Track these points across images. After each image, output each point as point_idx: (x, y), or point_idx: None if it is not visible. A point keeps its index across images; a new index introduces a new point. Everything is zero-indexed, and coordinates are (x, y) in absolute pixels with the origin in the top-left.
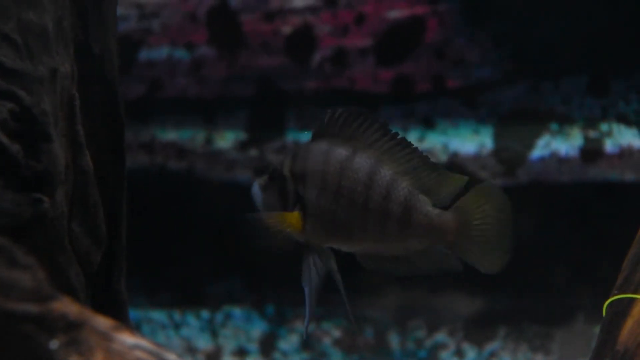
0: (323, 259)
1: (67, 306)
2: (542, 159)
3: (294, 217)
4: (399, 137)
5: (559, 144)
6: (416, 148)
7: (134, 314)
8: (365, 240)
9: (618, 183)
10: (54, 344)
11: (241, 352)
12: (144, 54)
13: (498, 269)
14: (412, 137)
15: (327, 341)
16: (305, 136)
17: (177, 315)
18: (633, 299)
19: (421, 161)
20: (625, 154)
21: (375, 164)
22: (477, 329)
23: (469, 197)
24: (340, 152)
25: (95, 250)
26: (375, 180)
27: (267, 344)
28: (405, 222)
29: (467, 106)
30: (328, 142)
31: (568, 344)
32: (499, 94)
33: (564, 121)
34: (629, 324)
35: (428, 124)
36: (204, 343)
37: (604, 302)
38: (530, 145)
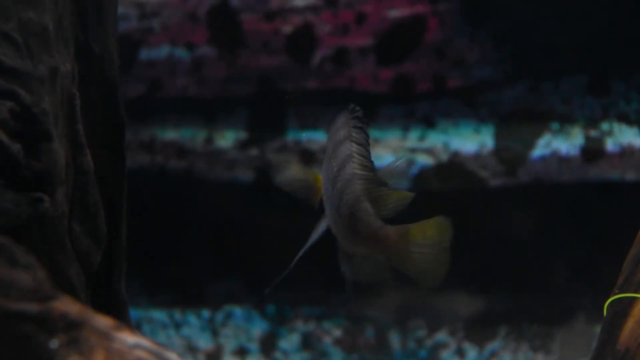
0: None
1: (67, 306)
2: (542, 159)
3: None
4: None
5: (559, 144)
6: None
7: (134, 313)
8: (334, 231)
9: (619, 182)
10: (54, 344)
11: (242, 351)
12: (144, 54)
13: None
14: (413, 137)
15: (327, 341)
16: (305, 136)
17: (177, 315)
18: (634, 299)
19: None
20: (626, 154)
21: (347, 158)
22: (478, 329)
23: (420, 223)
24: (340, 134)
25: (95, 250)
26: (340, 175)
27: (268, 344)
28: (350, 226)
29: (468, 106)
30: (345, 122)
31: (569, 343)
32: (499, 94)
33: (565, 121)
34: (629, 323)
35: (428, 123)
36: (204, 342)
37: (604, 302)
38: (531, 145)
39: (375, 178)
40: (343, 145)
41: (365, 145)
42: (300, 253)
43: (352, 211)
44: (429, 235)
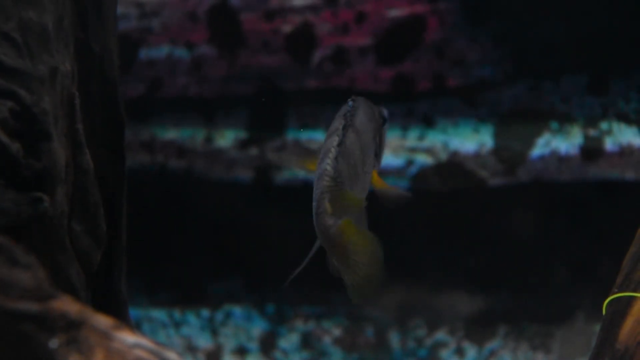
0: None
1: (67, 305)
2: (542, 158)
3: None
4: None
5: (559, 143)
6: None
7: (134, 312)
8: None
9: (618, 182)
10: (54, 343)
11: (241, 350)
12: (144, 53)
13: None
14: (412, 136)
15: (327, 340)
16: (304, 134)
17: (177, 314)
18: (633, 298)
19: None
20: (626, 153)
21: (327, 152)
22: (477, 328)
23: (356, 230)
24: (334, 126)
25: (95, 250)
26: (319, 168)
27: (268, 343)
28: (315, 221)
29: (468, 105)
30: (342, 114)
31: (568, 342)
32: (499, 93)
33: (564, 120)
34: (629, 322)
35: (428, 122)
36: (204, 342)
37: (604, 301)
38: (530, 144)
39: (340, 176)
40: (330, 138)
41: (344, 143)
42: (315, 247)
43: (316, 207)
44: (361, 244)
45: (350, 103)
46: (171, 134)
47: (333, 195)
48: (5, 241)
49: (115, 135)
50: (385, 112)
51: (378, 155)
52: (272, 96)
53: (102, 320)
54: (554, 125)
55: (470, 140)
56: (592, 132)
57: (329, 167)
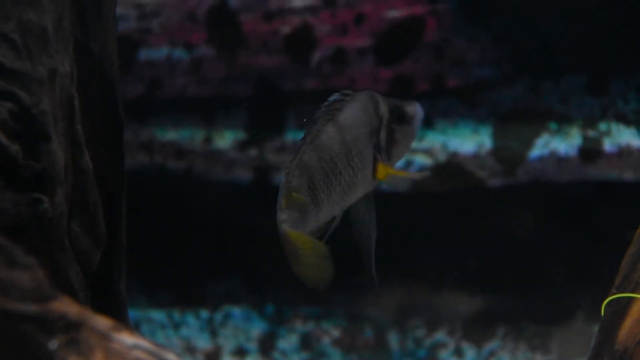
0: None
1: (66, 306)
2: (541, 158)
3: None
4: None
5: (558, 143)
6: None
7: (133, 313)
8: None
9: (617, 182)
10: (53, 344)
11: (241, 351)
12: (144, 54)
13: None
14: None
15: (326, 341)
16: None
17: (176, 315)
18: (632, 298)
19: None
20: (624, 154)
21: (298, 145)
22: (476, 328)
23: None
24: (315, 117)
25: (94, 250)
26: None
27: (267, 344)
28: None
29: (467, 105)
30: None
31: (567, 343)
32: (498, 93)
33: (563, 120)
34: (627, 323)
35: (427, 123)
36: (203, 343)
37: (602, 302)
38: (529, 145)
39: (306, 171)
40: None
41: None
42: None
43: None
44: (307, 244)
45: (333, 97)
46: (170, 134)
47: (288, 191)
48: (4, 242)
49: (115, 136)
50: (417, 108)
51: (384, 150)
52: (271, 97)
53: (102, 322)
54: (553, 125)
55: (469, 141)
56: (590, 132)
57: (288, 162)
